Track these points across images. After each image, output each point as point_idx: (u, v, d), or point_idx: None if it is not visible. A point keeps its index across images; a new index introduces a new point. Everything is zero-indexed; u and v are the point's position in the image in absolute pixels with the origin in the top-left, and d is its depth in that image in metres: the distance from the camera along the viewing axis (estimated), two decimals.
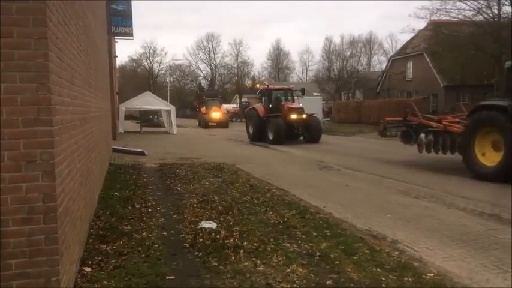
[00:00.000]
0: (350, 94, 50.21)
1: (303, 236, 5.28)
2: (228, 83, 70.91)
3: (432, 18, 26.48)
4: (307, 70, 77.53)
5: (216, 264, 4.30)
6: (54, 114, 2.96)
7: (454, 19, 25.43)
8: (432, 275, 4.16)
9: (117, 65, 33.98)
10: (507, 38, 22.12)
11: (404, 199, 7.74)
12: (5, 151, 2.77)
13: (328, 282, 3.93)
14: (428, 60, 34.00)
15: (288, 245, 4.96)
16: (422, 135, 11.55)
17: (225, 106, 43.23)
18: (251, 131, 21.27)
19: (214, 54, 71.05)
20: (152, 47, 73.00)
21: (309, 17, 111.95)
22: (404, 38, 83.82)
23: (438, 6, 24.88)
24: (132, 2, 20.48)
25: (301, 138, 20.47)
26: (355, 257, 4.56)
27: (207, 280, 3.95)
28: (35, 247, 2.86)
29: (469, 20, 24.49)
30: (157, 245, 4.85)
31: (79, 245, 4.14)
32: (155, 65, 74.19)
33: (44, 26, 2.82)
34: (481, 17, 24.22)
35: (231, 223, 5.75)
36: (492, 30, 23.30)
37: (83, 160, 4.73)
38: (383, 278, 4.02)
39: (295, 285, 3.84)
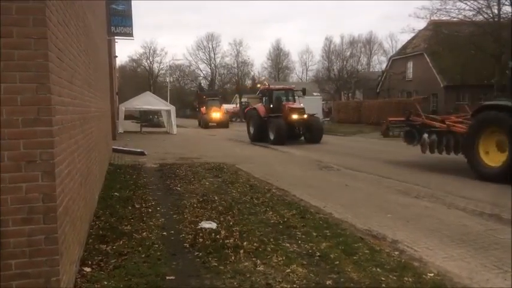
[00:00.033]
0: (350, 94, 50.20)
1: (303, 236, 5.28)
2: (228, 83, 70.91)
3: (432, 18, 26.52)
4: (307, 70, 77.60)
5: (216, 264, 4.30)
6: (54, 114, 2.96)
7: (454, 19, 25.43)
8: (432, 275, 4.16)
9: (117, 65, 34.00)
10: (507, 38, 22.10)
11: (404, 199, 7.74)
12: (5, 151, 2.77)
13: (328, 282, 3.93)
14: (428, 60, 34.00)
15: (288, 245, 4.96)
16: (426, 136, 11.42)
17: (225, 106, 43.22)
18: (252, 131, 21.19)
19: (214, 54, 71.10)
20: (152, 47, 73.08)
21: (309, 17, 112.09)
22: (404, 38, 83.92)
23: (438, 6, 24.93)
24: (132, 2, 20.52)
25: (302, 138, 20.42)
26: (355, 257, 4.56)
27: (207, 280, 3.95)
28: (35, 247, 2.86)
29: (469, 20, 24.50)
30: (157, 245, 4.85)
31: (79, 245, 4.14)
32: (155, 65, 74.28)
33: (44, 26, 2.82)
34: (481, 17, 24.23)
35: (231, 223, 5.75)
36: (492, 30, 23.29)
37: (82, 160, 4.73)
38: (383, 278, 4.02)
39: (295, 285, 3.84)
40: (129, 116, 35.16)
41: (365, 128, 29.37)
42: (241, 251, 4.61)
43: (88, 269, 4.10)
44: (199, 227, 5.54)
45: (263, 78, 68.30)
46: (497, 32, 23.13)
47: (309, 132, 19.93)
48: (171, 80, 68.74)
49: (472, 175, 9.82)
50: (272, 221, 5.97)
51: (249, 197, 7.52)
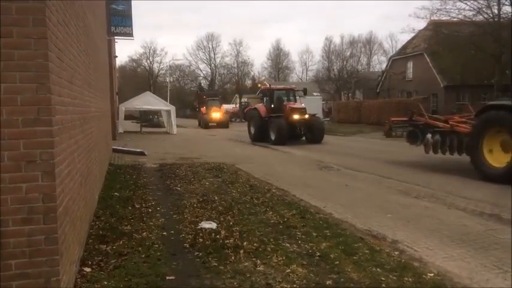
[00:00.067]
0: (350, 94, 50.19)
1: (303, 236, 5.28)
2: (228, 83, 70.95)
3: (432, 18, 26.52)
4: (307, 70, 77.62)
5: (216, 264, 4.30)
6: (54, 114, 2.96)
7: (454, 19, 25.43)
8: (432, 275, 4.16)
9: (117, 65, 34.00)
10: (507, 38, 22.10)
11: (404, 199, 7.74)
12: (5, 151, 2.77)
13: (328, 282, 3.93)
14: (428, 60, 34.00)
15: (288, 245, 4.96)
16: (429, 136, 11.29)
17: (225, 106, 43.21)
18: (253, 131, 21.09)
19: (214, 54, 71.15)
20: (152, 47, 73.15)
21: (309, 17, 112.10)
22: (404, 38, 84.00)
23: (438, 6, 24.93)
24: (132, 2, 20.50)
25: (304, 138, 20.33)
26: (355, 257, 4.56)
27: (207, 280, 3.95)
28: (35, 247, 2.86)
29: (469, 20, 24.49)
30: (157, 245, 4.85)
31: (79, 245, 4.14)
32: (155, 65, 74.33)
33: (44, 26, 2.82)
34: (481, 17, 24.23)
35: (231, 223, 5.75)
36: (492, 30, 23.29)
37: (82, 160, 4.73)
38: (383, 278, 4.02)
39: (295, 285, 3.84)
40: (129, 116, 35.18)
41: (365, 128, 29.37)
42: (241, 251, 4.61)
43: (88, 269, 4.10)
44: (199, 227, 5.54)
45: (263, 78, 68.30)
46: (497, 32, 23.13)
47: (310, 133, 19.85)
48: (171, 80, 68.80)
49: (473, 175, 9.80)
50: (272, 221, 5.97)
51: (249, 197, 7.52)
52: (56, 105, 3.03)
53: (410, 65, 38.01)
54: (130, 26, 19.81)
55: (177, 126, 28.15)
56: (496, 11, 23.93)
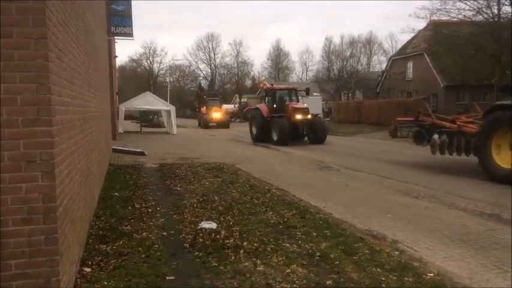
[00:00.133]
0: (350, 94, 50.20)
1: (303, 236, 5.28)
2: (228, 83, 70.96)
3: (432, 18, 26.49)
4: (307, 70, 77.65)
5: (216, 264, 4.30)
6: (54, 115, 2.96)
7: (454, 19, 25.42)
8: (432, 275, 4.16)
9: (117, 65, 34.00)
10: (507, 38, 22.10)
11: (404, 199, 7.74)
12: (5, 151, 2.77)
13: (328, 282, 3.93)
14: (428, 60, 34.01)
15: (288, 245, 4.96)
16: (436, 136, 11.08)
17: (224, 106, 43.18)
18: (254, 131, 20.90)
19: (214, 54, 71.16)
20: (152, 47, 73.14)
21: (309, 17, 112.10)
22: (404, 38, 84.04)
23: (438, 6, 24.90)
24: (132, 2, 20.50)
25: (306, 139, 20.19)
26: (355, 257, 4.56)
27: (207, 280, 3.95)
28: (35, 247, 2.86)
29: (469, 20, 24.48)
30: (157, 245, 4.85)
31: (79, 245, 4.14)
32: (155, 65, 74.31)
33: (44, 26, 2.82)
34: (480, 17, 24.22)
35: (231, 223, 5.75)
36: (492, 30, 23.29)
37: (82, 160, 4.73)
38: (383, 278, 4.02)
39: (295, 286, 3.84)
40: (129, 116, 35.17)
41: (365, 128, 29.38)
42: (241, 251, 4.61)
43: (88, 269, 4.10)
44: (199, 227, 5.54)
45: (263, 78, 68.33)
46: (497, 32, 23.12)
47: (312, 133, 19.67)
48: (171, 80, 68.78)
49: (473, 175, 9.81)
50: (272, 221, 5.97)
51: (249, 197, 7.52)
52: (56, 106, 3.03)
53: (410, 65, 38.02)
54: (130, 26, 19.80)
55: (177, 126, 28.15)
56: (496, 11, 23.95)
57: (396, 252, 4.81)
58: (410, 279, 4.01)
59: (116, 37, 21.06)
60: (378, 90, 42.80)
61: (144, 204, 6.81)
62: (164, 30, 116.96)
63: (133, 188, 8.11)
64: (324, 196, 7.92)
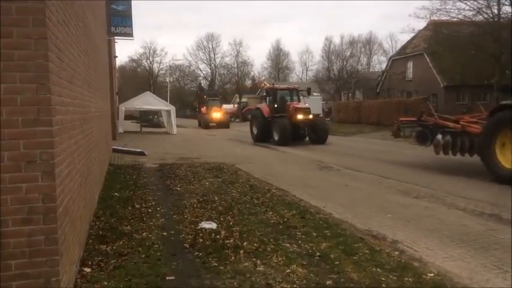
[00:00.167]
0: (350, 94, 50.21)
1: (303, 236, 5.28)
2: (228, 83, 70.90)
3: (432, 18, 26.49)
4: (307, 70, 77.64)
5: (216, 264, 4.30)
6: (54, 115, 2.96)
7: (454, 19, 25.43)
8: (432, 275, 4.16)
9: (117, 65, 34.01)
10: (507, 38, 22.11)
11: (404, 199, 7.74)
12: (5, 151, 2.77)
13: (328, 282, 3.93)
14: (428, 60, 34.01)
15: (288, 245, 4.96)
16: (439, 136, 10.90)
17: (224, 106, 43.19)
18: (255, 131, 20.78)
19: (214, 54, 71.07)
20: (152, 47, 73.01)
21: (309, 17, 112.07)
22: (404, 38, 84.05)
23: (438, 6, 24.91)
24: (132, 2, 20.50)
25: (307, 139, 20.11)
26: (355, 257, 4.56)
27: (207, 280, 3.95)
28: (35, 247, 2.86)
29: (469, 20, 24.49)
30: (157, 246, 4.85)
31: (79, 245, 4.14)
32: (155, 65, 74.21)
33: (44, 26, 2.82)
34: (480, 17, 24.23)
35: (231, 223, 5.75)
36: (492, 30, 23.29)
37: (82, 160, 4.73)
38: (383, 278, 4.02)
39: (295, 286, 3.84)
40: (129, 116, 35.16)
41: (365, 128, 29.38)
42: (241, 251, 4.61)
43: (88, 270, 4.10)
44: (199, 227, 5.54)
45: (263, 78, 68.34)
46: (497, 32, 23.13)
47: (314, 133, 19.56)
48: (171, 80, 68.80)
49: (473, 175, 9.82)
50: (272, 221, 5.97)
51: (249, 197, 7.52)
52: (56, 106, 3.03)
53: (410, 65, 38.02)
54: (130, 26, 19.80)
55: (177, 126, 28.14)
56: (496, 11, 23.96)
57: (396, 252, 4.81)
58: (410, 279, 4.01)
59: (116, 37, 21.06)
60: (377, 90, 42.81)
61: (144, 205, 6.81)
62: (164, 30, 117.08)
63: (133, 188, 8.11)
64: (324, 196, 7.92)
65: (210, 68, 71.65)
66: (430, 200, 7.66)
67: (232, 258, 4.45)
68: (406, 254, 4.78)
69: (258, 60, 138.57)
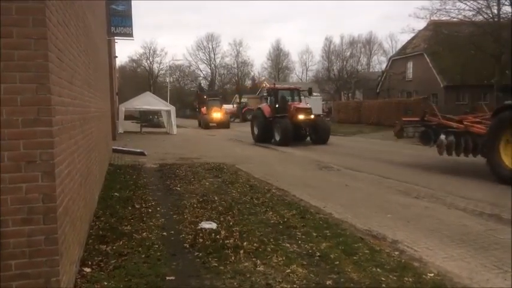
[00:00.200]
0: (350, 94, 50.22)
1: (303, 236, 5.28)
2: (228, 83, 70.96)
3: (432, 18, 26.52)
4: (307, 70, 77.68)
5: (216, 264, 4.30)
6: (54, 115, 2.96)
7: (454, 19, 25.44)
8: (432, 275, 4.16)
9: (117, 65, 34.01)
10: (507, 38, 22.10)
11: (404, 199, 7.74)
12: (5, 151, 2.77)
13: (328, 282, 3.93)
14: (428, 60, 34.01)
15: (288, 245, 4.96)
16: (443, 137, 10.77)
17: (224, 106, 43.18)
18: (256, 131, 20.68)
19: (214, 54, 71.17)
20: (152, 47, 73.09)
21: (309, 17, 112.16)
22: (404, 38, 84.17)
23: (438, 6, 24.93)
24: (132, 2, 20.48)
25: (309, 139, 20.04)
26: (355, 257, 4.56)
27: (207, 280, 3.95)
28: (35, 247, 2.86)
29: (469, 20, 24.50)
30: (157, 246, 4.85)
31: (79, 245, 4.14)
32: (155, 65, 74.28)
33: (44, 26, 2.82)
34: (480, 17, 24.24)
35: (231, 223, 5.75)
36: (492, 30, 23.30)
37: (82, 160, 4.73)
38: (383, 278, 4.02)
39: (295, 286, 3.84)
40: (129, 116, 35.16)
41: (365, 128, 29.38)
42: (241, 251, 4.61)
43: (88, 270, 4.10)
44: (199, 227, 5.54)
45: (263, 78, 68.35)
46: (497, 32, 23.13)
47: (315, 133, 19.48)
48: (171, 80, 68.83)
49: (472, 176, 9.81)
50: (272, 221, 5.97)
51: (249, 197, 7.52)
52: (55, 106, 3.04)
53: (410, 65, 38.02)
54: (130, 26, 19.79)
55: (177, 126, 28.15)
56: (495, 11, 23.96)
57: (396, 252, 4.81)
58: (410, 279, 4.01)
59: (116, 37, 21.05)
60: (377, 91, 42.81)
61: (144, 205, 6.81)
62: (164, 30, 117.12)
63: (133, 188, 8.11)
64: (324, 196, 7.92)
65: (210, 68, 71.80)
66: (430, 200, 7.66)
67: (232, 258, 4.45)
68: (406, 254, 4.78)
69: (258, 60, 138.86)
